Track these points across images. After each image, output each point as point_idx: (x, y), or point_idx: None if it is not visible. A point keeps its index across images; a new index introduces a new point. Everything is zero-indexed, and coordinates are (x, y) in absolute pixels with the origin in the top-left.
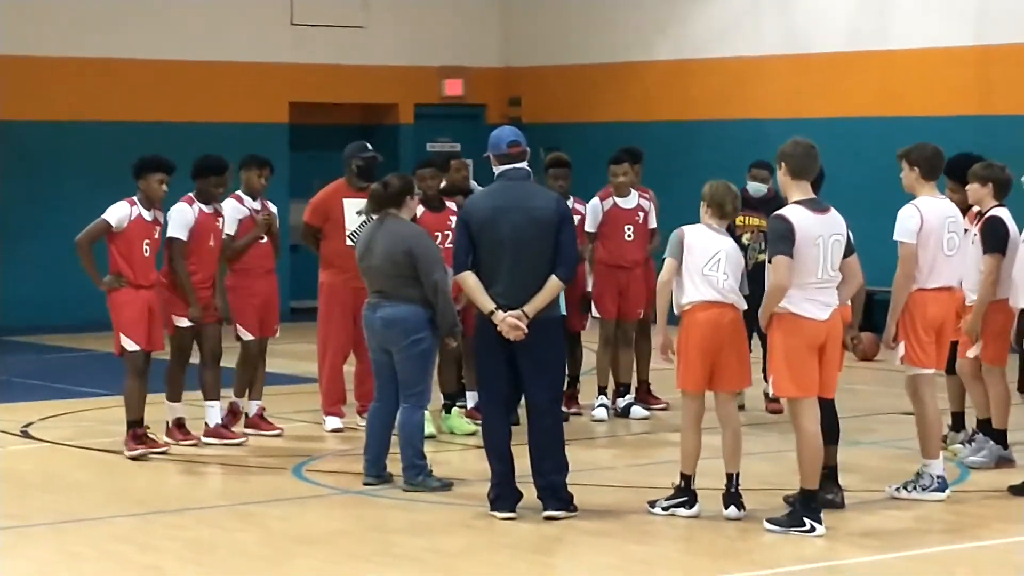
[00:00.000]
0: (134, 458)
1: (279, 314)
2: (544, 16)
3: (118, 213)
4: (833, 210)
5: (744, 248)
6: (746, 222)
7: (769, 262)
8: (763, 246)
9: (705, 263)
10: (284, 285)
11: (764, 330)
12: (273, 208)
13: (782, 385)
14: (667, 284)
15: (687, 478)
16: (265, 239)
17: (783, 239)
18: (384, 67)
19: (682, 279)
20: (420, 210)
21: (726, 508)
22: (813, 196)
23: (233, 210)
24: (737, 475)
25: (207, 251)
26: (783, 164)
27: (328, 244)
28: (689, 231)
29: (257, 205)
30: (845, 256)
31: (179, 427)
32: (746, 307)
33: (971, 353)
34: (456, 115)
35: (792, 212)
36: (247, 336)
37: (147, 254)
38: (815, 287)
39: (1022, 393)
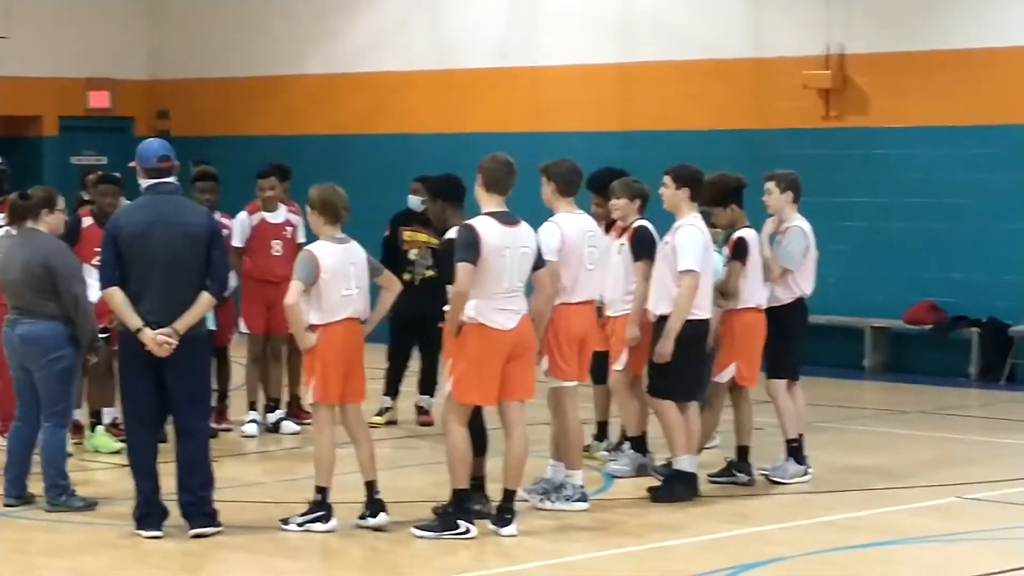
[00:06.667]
0: None
1: None
2: (192, 28)
3: None
4: (523, 224)
5: (411, 263)
6: (414, 237)
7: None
8: (430, 261)
9: (342, 285)
10: None
11: (454, 335)
12: None
13: (465, 392)
14: (296, 306)
15: (324, 491)
16: None
17: (468, 247)
18: (26, 79)
19: (319, 299)
20: (88, 222)
21: (374, 516)
22: (505, 209)
23: None
24: (376, 482)
25: None
26: (479, 176)
27: None
28: (319, 253)
29: None
30: (535, 268)
31: None
32: (370, 313)
33: (618, 366)
34: (103, 128)
35: (480, 223)
36: None
37: None
38: (502, 297)
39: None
